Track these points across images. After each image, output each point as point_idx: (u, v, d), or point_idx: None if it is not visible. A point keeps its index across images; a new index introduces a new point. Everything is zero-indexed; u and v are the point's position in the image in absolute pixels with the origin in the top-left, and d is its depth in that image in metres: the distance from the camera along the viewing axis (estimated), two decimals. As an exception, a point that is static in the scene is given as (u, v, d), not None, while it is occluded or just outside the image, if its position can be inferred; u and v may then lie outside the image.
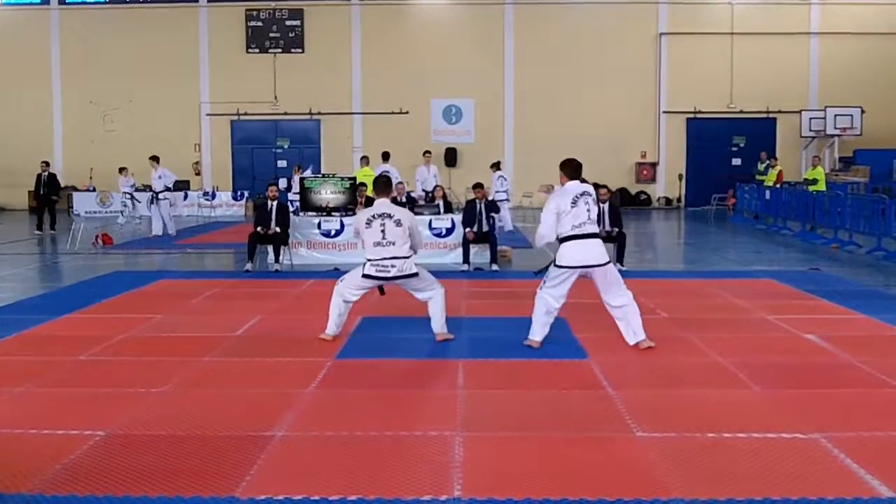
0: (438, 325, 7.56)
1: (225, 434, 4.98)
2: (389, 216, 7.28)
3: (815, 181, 18.79)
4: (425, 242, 13.30)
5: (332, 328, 7.56)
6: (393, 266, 7.23)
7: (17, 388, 6.00)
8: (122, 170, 22.54)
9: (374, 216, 7.32)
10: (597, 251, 7.02)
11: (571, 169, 7.18)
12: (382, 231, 7.23)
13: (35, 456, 4.60)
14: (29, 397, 5.84)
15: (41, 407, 5.63)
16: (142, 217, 21.71)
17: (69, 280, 11.67)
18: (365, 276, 7.37)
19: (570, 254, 7.02)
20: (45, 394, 5.95)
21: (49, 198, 19.09)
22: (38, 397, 5.85)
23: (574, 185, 7.13)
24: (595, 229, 7.10)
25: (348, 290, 7.53)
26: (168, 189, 18.42)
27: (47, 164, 19.91)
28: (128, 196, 22.09)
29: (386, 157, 18.76)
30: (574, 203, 7.02)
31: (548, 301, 7.17)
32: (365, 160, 18.35)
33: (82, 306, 9.34)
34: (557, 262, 7.08)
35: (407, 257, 7.29)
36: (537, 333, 7.23)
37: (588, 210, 7.02)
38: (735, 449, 4.73)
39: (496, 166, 19.61)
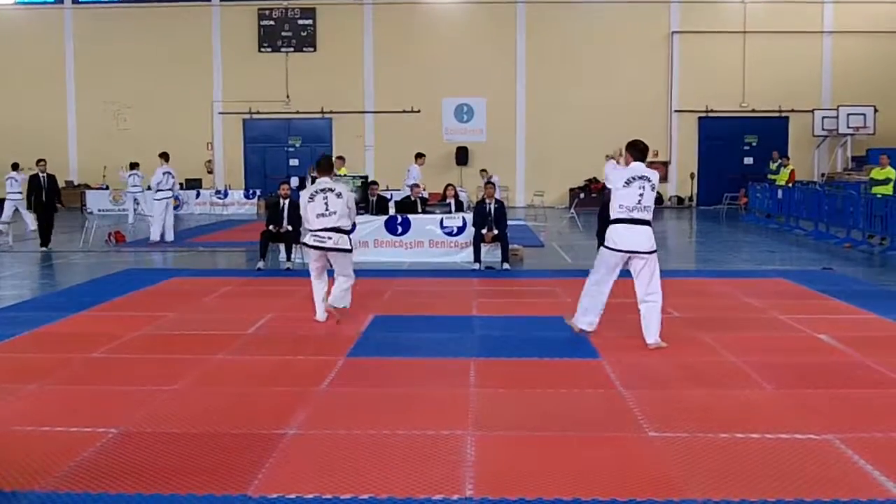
0: (336, 298, 8.19)
1: (237, 432, 4.99)
2: (331, 190, 8.01)
3: (886, 181, 16.44)
4: (436, 241, 13.41)
5: (318, 312, 8.35)
6: (329, 238, 7.89)
7: (30, 385, 6.03)
8: (133, 165, 22.41)
9: (315, 192, 8.05)
10: (643, 238, 6.96)
11: (636, 150, 7.10)
12: (325, 203, 7.95)
13: (48, 453, 4.62)
14: (42, 394, 5.87)
15: (54, 404, 5.65)
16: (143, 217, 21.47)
17: (82, 278, 11.72)
18: (304, 244, 8.17)
19: (618, 237, 6.97)
20: (57, 391, 5.98)
21: (51, 205, 15.59)
22: (50, 394, 5.88)
23: (636, 167, 7.02)
24: (646, 216, 6.96)
25: (310, 265, 8.36)
26: (171, 190, 16.97)
27: (45, 162, 16.22)
28: (134, 195, 21.93)
29: (419, 157, 18.03)
30: (628, 183, 6.93)
31: (589, 288, 7.25)
32: (341, 161, 17.01)
33: (95, 304, 9.39)
34: (605, 244, 7.06)
35: (344, 233, 7.95)
36: (579, 321, 7.43)
37: (640, 195, 6.89)
38: (748, 449, 4.70)
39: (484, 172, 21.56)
